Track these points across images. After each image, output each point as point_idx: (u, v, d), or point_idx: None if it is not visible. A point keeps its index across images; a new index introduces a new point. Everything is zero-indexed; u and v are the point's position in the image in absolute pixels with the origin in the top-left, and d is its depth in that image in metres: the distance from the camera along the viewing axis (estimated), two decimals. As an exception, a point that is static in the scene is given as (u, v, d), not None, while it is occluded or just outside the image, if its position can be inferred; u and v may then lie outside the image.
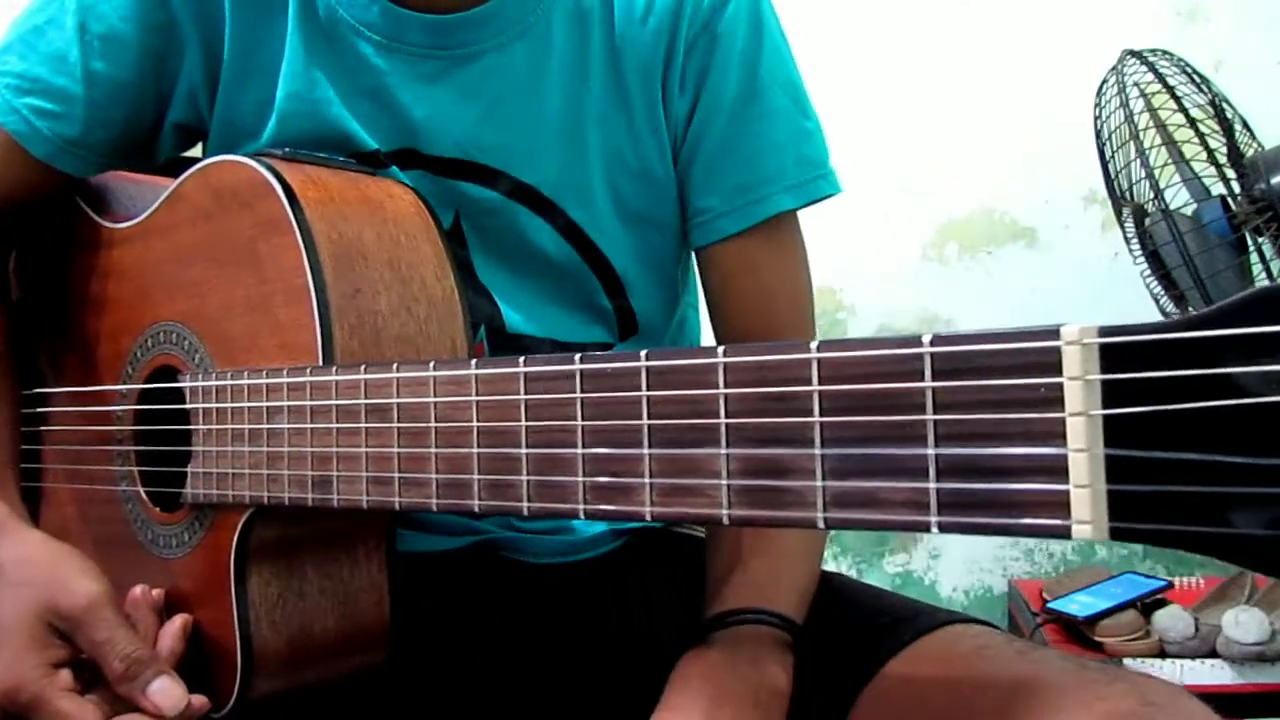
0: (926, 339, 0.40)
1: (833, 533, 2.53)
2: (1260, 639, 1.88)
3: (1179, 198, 1.93)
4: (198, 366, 0.88)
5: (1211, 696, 2.00)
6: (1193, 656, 1.95)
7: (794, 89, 1.06)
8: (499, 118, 0.99)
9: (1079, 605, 2.07)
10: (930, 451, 0.40)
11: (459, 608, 1.05)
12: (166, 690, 0.82)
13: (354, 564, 0.88)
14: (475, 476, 0.59)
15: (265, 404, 0.78)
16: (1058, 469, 0.37)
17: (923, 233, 2.56)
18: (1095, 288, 2.42)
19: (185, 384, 0.88)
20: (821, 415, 0.43)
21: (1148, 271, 1.99)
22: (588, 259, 1.04)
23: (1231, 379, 0.33)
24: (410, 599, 0.91)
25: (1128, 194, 1.98)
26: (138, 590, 0.88)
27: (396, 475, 0.66)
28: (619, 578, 1.08)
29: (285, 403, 0.76)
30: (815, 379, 0.43)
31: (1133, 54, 2.00)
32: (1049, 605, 2.12)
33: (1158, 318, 2.03)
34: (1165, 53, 2.03)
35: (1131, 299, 2.12)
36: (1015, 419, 0.38)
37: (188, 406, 0.87)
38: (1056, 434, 0.37)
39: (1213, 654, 1.94)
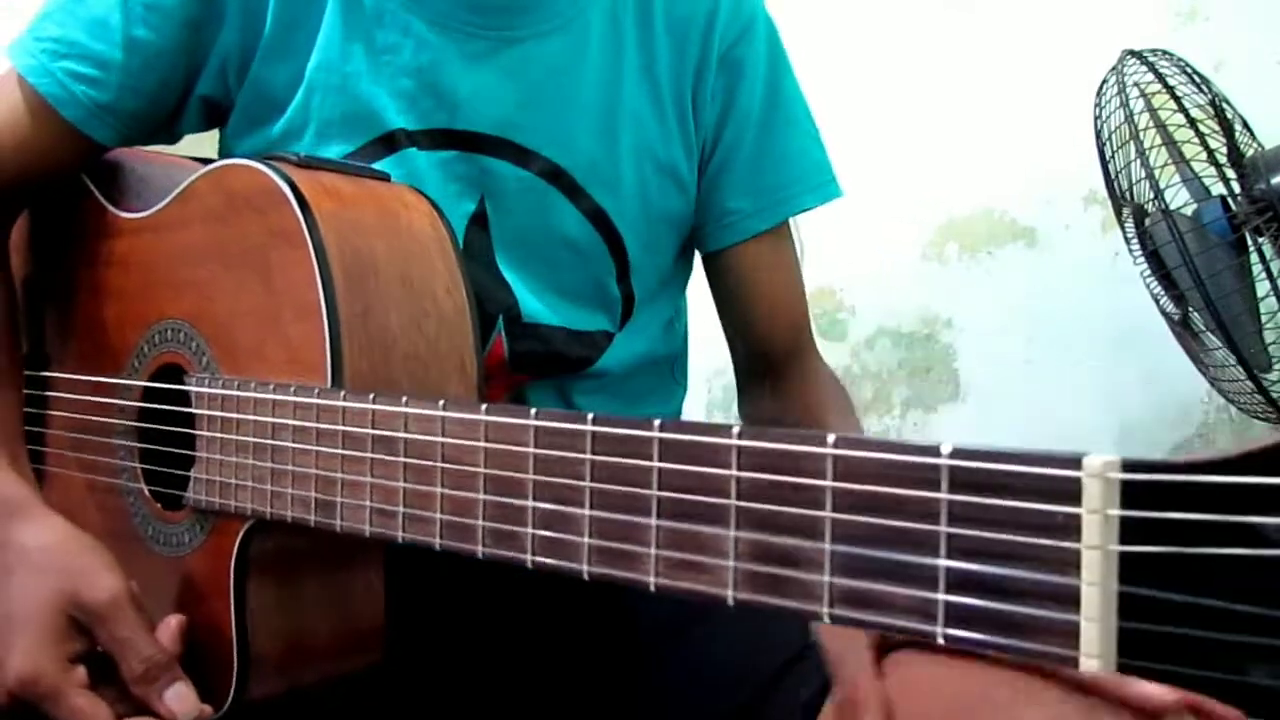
0: (946, 449, 0.40)
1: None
2: None
3: (1179, 198, 1.92)
4: (204, 369, 0.87)
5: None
6: None
7: (803, 101, 1.16)
8: (539, 101, 1.03)
9: (1078, 605, 2.07)
10: (941, 563, 0.40)
11: (455, 605, 1.05)
12: (182, 697, 0.82)
13: (352, 571, 0.88)
14: (480, 522, 0.58)
15: (271, 419, 0.77)
16: (1069, 599, 0.36)
17: (923, 233, 2.54)
18: (1095, 288, 2.40)
19: (192, 388, 0.87)
20: (834, 511, 0.43)
21: (1148, 271, 1.98)
22: (609, 245, 1.07)
23: (1255, 529, 0.33)
24: (406, 596, 0.91)
25: (1128, 194, 1.97)
26: None
27: (401, 510, 0.65)
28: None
29: (291, 421, 0.75)
30: (830, 474, 0.43)
31: (1133, 54, 1.99)
32: (1049, 605, 2.11)
33: (1158, 318, 2.03)
34: (1165, 53, 2.01)
35: (1131, 299, 2.12)
36: (1030, 543, 0.37)
37: (193, 411, 0.86)
38: (1070, 564, 0.36)
39: (1213, 654, 1.92)
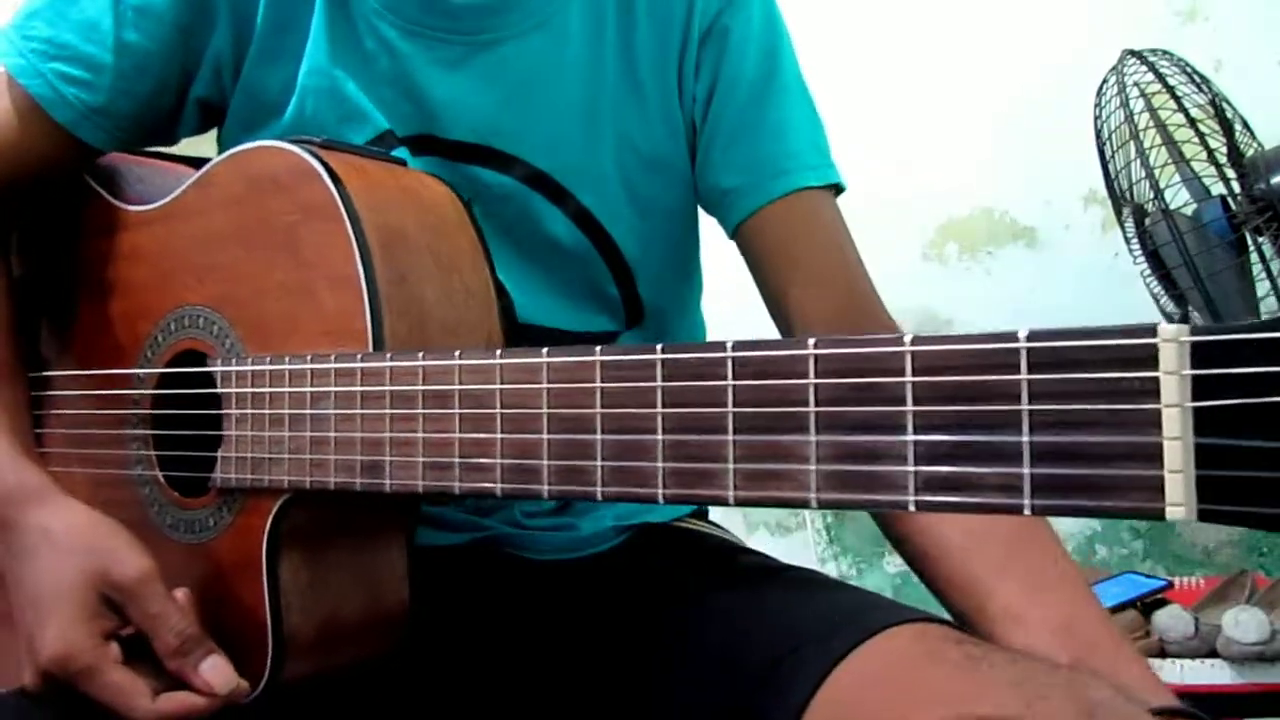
0: (1022, 334, 0.45)
1: (832, 529, 2.57)
2: (1260, 639, 1.91)
3: (1179, 198, 1.97)
4: (228, 351, 0.90)
5: (1211, 696, 2.02)
6: (1193, 656, 1.97)
7: (803, 82, 1.14)
8: (518, 104, 1.04)
9: (1079, 605, 2.08)
10: (1025, 439, 0.45)
11: (461, 604, 1.08)
12: (218, 668, 0.84)
13: (377, 549, 0.91)
14: (544, 462, 0.62)
15: (310, 389, 0.81)
16: (1153, 455, 0.42)
17: (923, 233, 2.60)
18: (1095, 288, 2.46)
19: (218, 368, 0.90)
20: (915, 405, 0.47)
21: (1148, 271, 2.02)
22: (599, 246, 1.09)
23: (1310, 376, 0.38)
24: (413, 594, 0.93)
25: (1128, 194, 2.02)
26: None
27: (457, 460, 0.69)
28: (622, 574, 1.11)
29: (333, 388, 0.79)
30: (909, 371, 0.47)
31: (1133, 54, 2.04)
32: (1050, 605, 2.13)
33: (1158, 318, 2.08)
34: (1165, 53, 2.07)
35: (1131, 299, 2.16)
36: (1111, 409, 0.42)
37: (219, 391, 0.89)
38: (1152, 423, 0.42)
39: (1213, 654, 1.96)
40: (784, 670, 0.87)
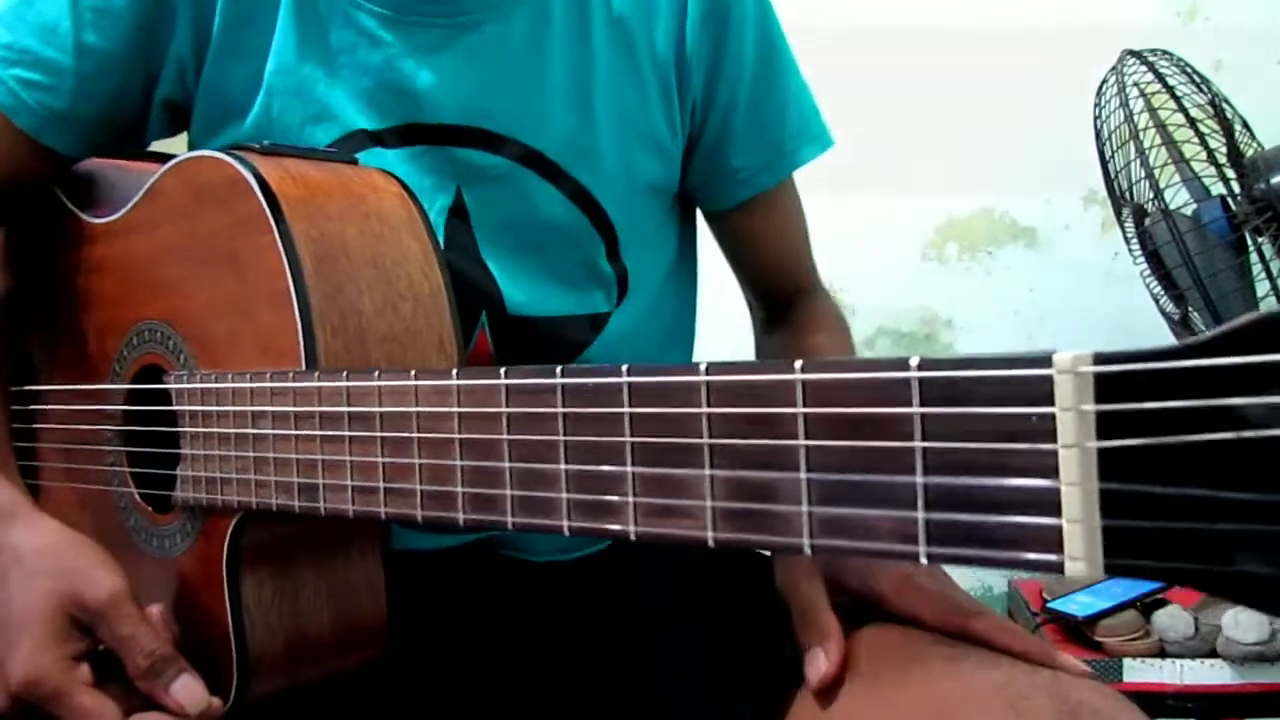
0: (914, 362, 0.38)
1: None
2: (1260, 639, 1.88)
3: (1179, 198, 1.93)
4: (182, 367, 0.86)
5: (1211, 696, 1.98)
6: (1193, 656, 1.94)
7: (789, 47, 1.13)
8: (505, 84, 1.00)
9: (1079, 605, 2.06)
10: (919, 480, 0.38)
11: (456, 605, 1.05)
12: (189, 688, 0.80)
13: (349, 561, 0.86)
14: (459, 489, 0.57)
15: (250, 408, 0.77)
16: (1050, 503, 0.35)
17: (923, 233, 2.56)
18: (1095, 288, 2.43)
19: (170, 385, 0.86)
20: (807, 439, 0.41)
21: (1148, 271, 1.98)
22: (595, 223, 1.04)
23: (1234, 411, 0.31)
24: (407, 597, 0.89)
25: (1128, 194, 1.98)
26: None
27: (381, 485, 0.64)
28: (617, 574, 1.08)
29: (269, 408, 0.75)
30: (801, 400, 0.42)
31: (1133, 54, 2.00)
32: (1049, 605, 2.11)
33: (1158, 318, 2.03)
34: (1165, 53, 2.02)
35: (1131, 299, 2.12)
36: (1006, 449, 0.36)
37: (175, 408, 0.85)
38: (1049, 467, 0.35)
39: (1213, 654, 1.94)
40: (768, 670, 0.84)
